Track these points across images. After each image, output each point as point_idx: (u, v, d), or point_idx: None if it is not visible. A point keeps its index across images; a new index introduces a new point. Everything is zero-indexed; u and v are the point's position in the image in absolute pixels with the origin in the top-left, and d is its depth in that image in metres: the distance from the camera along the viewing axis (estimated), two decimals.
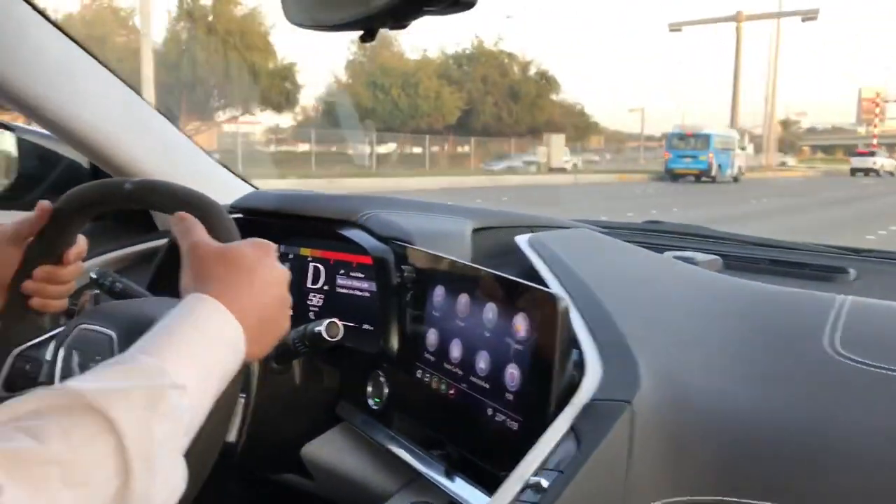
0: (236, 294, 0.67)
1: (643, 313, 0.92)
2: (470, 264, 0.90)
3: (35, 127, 1.48)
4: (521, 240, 1.16)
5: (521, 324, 0.79)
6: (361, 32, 0.66)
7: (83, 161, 1.46)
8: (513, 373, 0.79)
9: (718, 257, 1.33)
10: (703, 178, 26.21)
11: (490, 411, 0.82)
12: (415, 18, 0.58)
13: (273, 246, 0.75)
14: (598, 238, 1.28)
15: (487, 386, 0.83)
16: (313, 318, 1.23)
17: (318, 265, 1.24)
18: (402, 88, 30.19)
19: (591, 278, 0.98)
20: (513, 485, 0.67)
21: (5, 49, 1.05)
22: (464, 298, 0.89)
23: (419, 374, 0.95)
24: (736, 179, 28.20)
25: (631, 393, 0.73)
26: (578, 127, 40.33)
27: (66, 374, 0.92)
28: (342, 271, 1.20)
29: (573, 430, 0.71)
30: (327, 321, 0.94)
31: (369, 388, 1.04)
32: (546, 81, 36.44)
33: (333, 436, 1.08)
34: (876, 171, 34.63)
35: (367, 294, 1.16)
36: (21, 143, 1.43)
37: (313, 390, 1.09)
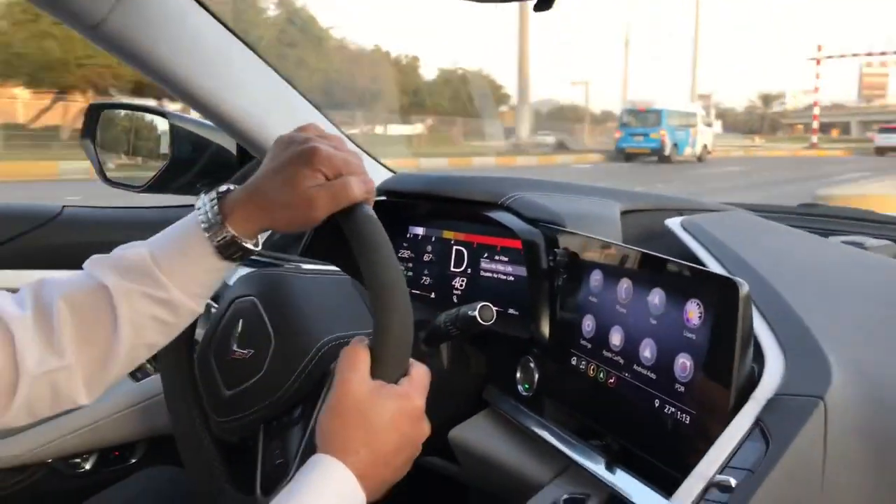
0: (366, 465, 0.69)
1: (823, 302, 0.85)
2: (633, 248, 0.85)
3: (186, 114, 1.54)
4: (673, 223, 1.10)
5: (693, 311, 0.74)
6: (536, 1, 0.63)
7: (231, 147, 1.51)
8: (684, 363, 0.75)
9: (892, 242, 1.22)
10: (660, 158, 23.61)
11: (657, 403, 0.78)
12: None
13: (420, 405, 0.74)
14: (758, 221, 1.20)
15: (654, 376, 0.79)
16: (456, 301, 1.22)
17: (460, 248, 1.23)
18: None
19: (758, 264, 0.92)
20: (695, 483, 0.62)
21: (167, 38, 1.08)
22: (625, 283, 0.85)
23: (574, 361, 0.92)
24: (700, 159, 25.25)
25: (822, 388, 0.67)
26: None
27: (228, 330, 0.99)
28: (486, 255, 1.18)
29: (759, 426, 0.65)
30: (480, 304, 0.92)
31: (518, 374, 1.02)
32: None
33: (481, 420, 1.07)
34: None
35: (511, 278, 1.13)
36: (174, 130, 1.49)
37: (460, 374, 1.08)
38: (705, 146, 26.55)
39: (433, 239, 1.28)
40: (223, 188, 0.80)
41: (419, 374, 0.76)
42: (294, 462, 0.97)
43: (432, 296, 1.27)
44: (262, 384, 0.96)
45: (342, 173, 0.76)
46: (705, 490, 0.62)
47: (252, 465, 1.04)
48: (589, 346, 0.90)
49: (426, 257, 1.29)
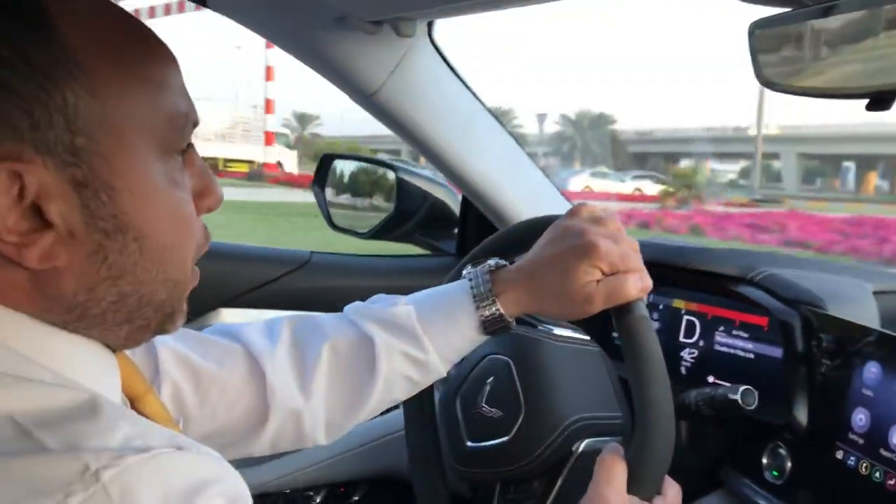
0: None
1: None
2: None
3: (412, 167, 1.63)
4: None
5: None
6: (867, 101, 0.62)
7: (452, 202, 1.58)
8: None
9: None
10: None
11: None
12: None
13: None
14: None
15: None
16: (685, 373, 1.20)
17: (692, 319, 1.21)
18: None
19: None
20: None
21: (427, 106, 1.16)
22: None
23: (840, 454, 0.88)
24: None
25: None
26: None
27: (477, 384, 1.03)
28: (721, 328, 1.15)
29: None
30: (742, 388, 0.90)
31: (765, 460, 0.98)
32: None
33: (717, 501, 1.04)
34: None
35: (752, 356, 1.10)
36: (400, 182, 1.58)
37: (697, 453, 1.05)
38: None
39: (661, 306, 1.27)
40: (493, 263, 0.81)
41: (673, 496, 0.75)
42: None
43: None
44: (507, 449, 0.99)
45: (619, 270, 0.75)
46: None
47: None
48: (861, 441, 0.85)
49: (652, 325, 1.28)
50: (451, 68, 1.19)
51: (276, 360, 0.78)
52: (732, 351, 1.13)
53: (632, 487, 0.71)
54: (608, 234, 0.77)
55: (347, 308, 0.84)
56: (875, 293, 1.06)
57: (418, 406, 1.06)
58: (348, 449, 1.32)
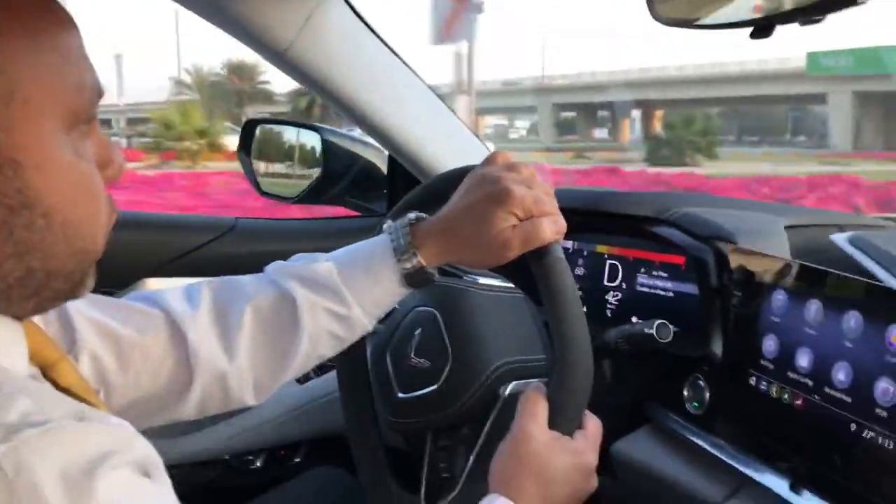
0: None
1: None
2: (823, 269, 0.84)
3: (336, 128, 1.61)
4: (840, 239, 1.08)
5: None
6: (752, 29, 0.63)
7: (380, 162, 1.57)
8: (886, 388, 0.73)
9: None
10: None
11: (853, 427, 0.76)
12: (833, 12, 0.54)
13: (593, 461, 0.76)
14: None
15: (849, 399, 0.78)
16: (610, 316, 1.23)
17: (615, 263, 1.24)
18: None
19: None
20: None
21: (342, 61, 1.15)
22: (814, 305, 0.84)
23: (753, 381, 0.91)
24: None
25: None
26: None
27: (406, 336, 1.04)
28: (642, 270, 1.18)
29: None
30: (657, 322, 0.93)
31: (686, 392, 1.02)
32: None
33: (643, 436, 1.07)
34: None
35: (671, 294, 1.13)
36: (325, 144, 1.56)
37: (621, 390, 1.08)
38: None
39: (585, 253, 1.29)
40: (412, 216, 0.81)
41: (593, 429, 0.78)
42: (460, 481, 1.02)
43: (584, 309, 1.28)
44: (436, 397, 1.01)
45: (534, 214, 0.76)
46: None
47: (417, 470, 1.09)
48: (771, 366, 0.89)
49: (578, 271, 1.30)
50: (366, 23, 1.17)
51: (198, 324, 0.78)
52: (653, 291, 1.16)
53: (553, 423, 0.74)
54: (522, 179, 0.78)
55: (268, 268, 0.83)
56: (787, 227, 1.10)
57: (350, 364, 1.06)
58: (288, 411, 1.33)
